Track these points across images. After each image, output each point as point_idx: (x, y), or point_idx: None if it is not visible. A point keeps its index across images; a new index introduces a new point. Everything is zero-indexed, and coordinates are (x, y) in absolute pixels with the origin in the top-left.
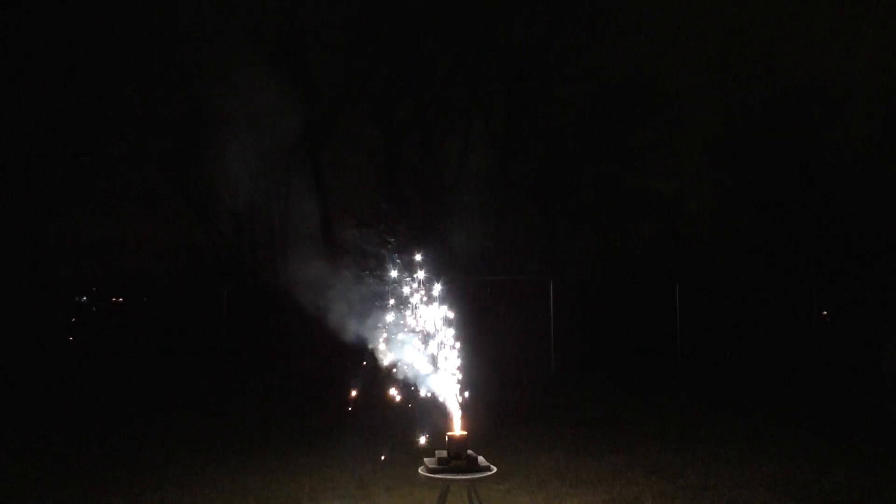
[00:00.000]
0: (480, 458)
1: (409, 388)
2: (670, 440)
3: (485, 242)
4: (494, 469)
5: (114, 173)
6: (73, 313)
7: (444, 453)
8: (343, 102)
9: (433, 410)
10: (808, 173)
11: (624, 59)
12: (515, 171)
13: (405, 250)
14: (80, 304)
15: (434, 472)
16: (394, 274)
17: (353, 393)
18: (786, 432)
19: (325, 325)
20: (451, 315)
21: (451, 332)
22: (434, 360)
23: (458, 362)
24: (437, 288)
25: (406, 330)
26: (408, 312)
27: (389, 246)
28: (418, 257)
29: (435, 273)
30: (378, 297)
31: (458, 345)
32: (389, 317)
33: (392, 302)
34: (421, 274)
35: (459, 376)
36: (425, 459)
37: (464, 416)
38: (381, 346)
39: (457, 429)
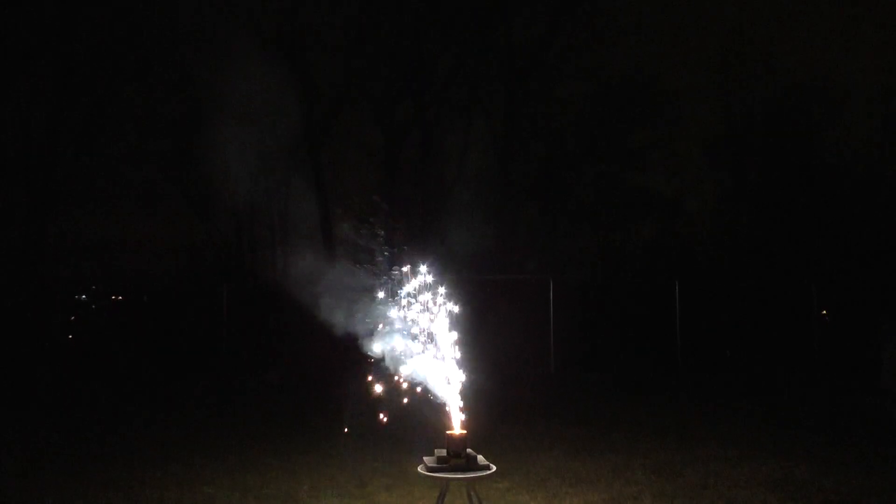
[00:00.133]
0: (480, 457)
1: (394, 378)
2: (670, 439)
3: (485, 242)
4: (494, 468)
5: (114, 173)
6: (72, 312)
7: (443, 452)
8: (343, 102)
9: (417, 398)
10: (808, 173)
11: (624, 59)
12: (515, 171)
13: (396, 243)
14: (79, 303)
15: (433, 471)
16: (384, 266)
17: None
18: (785, 432)
19: (322, 323)
20: (447, 312)
21: (448, 325)
22: (424, 346)
23: (459, 361)
24: (440, 289)
25: (396, 323)
26: (398, 306)
27: (380, 238)
28: (406, 248)
29: (433, 272)
30: (368, 290)
31: (456, 340)
32: (379, 310)
33: (382, 295)
34: (413, 269)
35: (460, 375)
36: (425, 458)
37: (463, 415)
38: (370, 340)
39: (456, 427)
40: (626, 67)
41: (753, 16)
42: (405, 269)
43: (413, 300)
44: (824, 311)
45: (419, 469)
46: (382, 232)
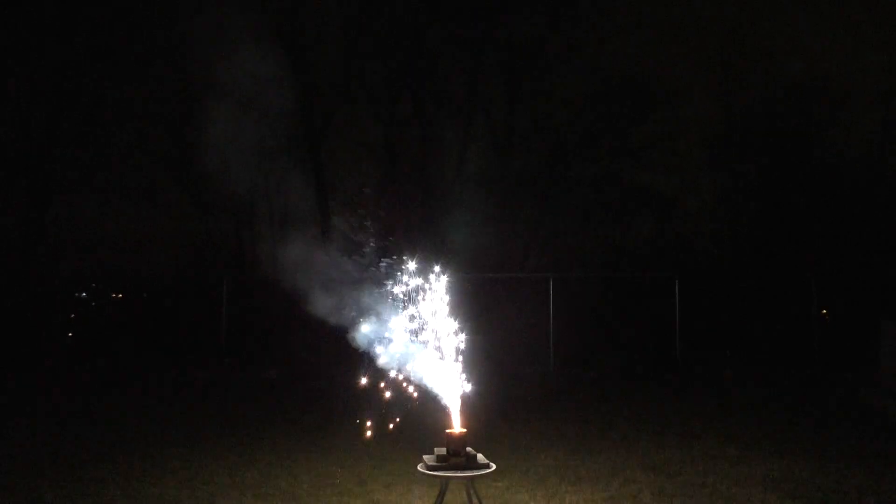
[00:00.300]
0: (479, 456)
1: (381, 370)
2: (669, 437)
3: (484, 239)
4: (493, 466)
5: (114, 168)
6: (72, 310)
7: (443, 450)
8: (342, 98)
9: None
10: (808, 171)
11: (624, 57)
12: (515, 168)
13: (384, 234)
14: (79, 301)
15: (433, 469)
16: (373, 258)
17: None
18: (784, 430)
19: (319, 318)
20: (444, 303)
21: (443, 319)
22: (415, 337)
23: (459, 359)
24: (440, 284)
25: (384, 314)
26: (388, 297)
27: (367, 227)
28: (392, 239)
29: (427, 267)
30: (356, 280)
31: (456, 331)
32: (366, 301)
33: (369, 286)
34: (403, 258)
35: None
36: (424, 456)
37: (463, 413)
38: (356, 332)
39: (456, 426)
40: (626, 65)
41: (753, 14)
42: (393, 259)
43: (404, 290)
44: (824, 311)
45: (419, 467)
46: (369, 222)
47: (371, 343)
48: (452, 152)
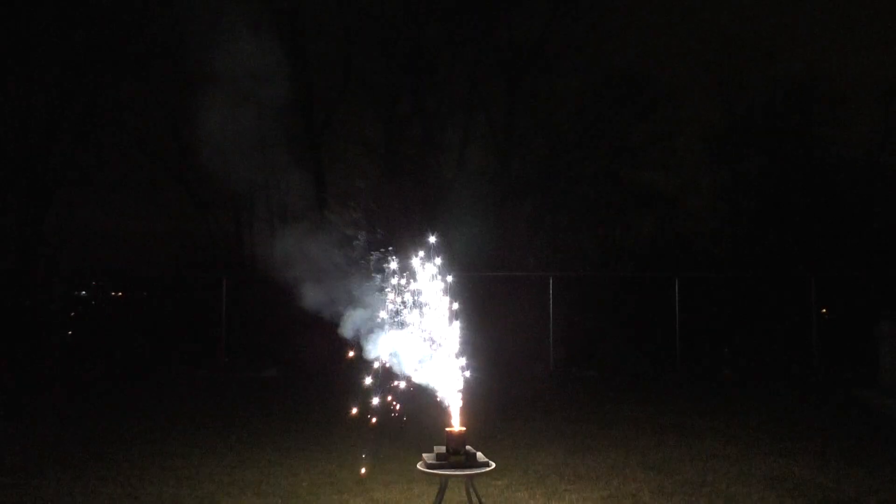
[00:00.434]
0: (479, 454)
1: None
2: (668, 436)
3: (484, 238)
4: (493, 465)
5: (114, 166)
6: (72, 308)
7: (442, 449)
8: (343, 97)
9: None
10: (808, 170)
11: (624, 56)
12: (515, 167)
13: (374, 227)
14: (79, 299)
15: (433, 468)
16: (362, 250)
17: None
18: (784, 429)
19: (313, 311)
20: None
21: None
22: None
23: (460, 358)
24: (436, 281)
25: (371, 307)
26: (378, 290)
27: (357, 219)
28: (381, 233)
29: (423, 263)
30: (344, 274)
31: (456, 332)
32: (353, 294)
33: (357, 278)
34: (392, 252)
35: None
36: (424, 455)
37: (462, 412)
38: (343, 323)
39: (456, 424)
40: (626, 64)
41: (754, 13)
42: (382, 252)
43: (393, 283)
44: (824, 310)
45: (418, 466)
46: (359, 215)
47: (358, 333)
48: (452, 151)
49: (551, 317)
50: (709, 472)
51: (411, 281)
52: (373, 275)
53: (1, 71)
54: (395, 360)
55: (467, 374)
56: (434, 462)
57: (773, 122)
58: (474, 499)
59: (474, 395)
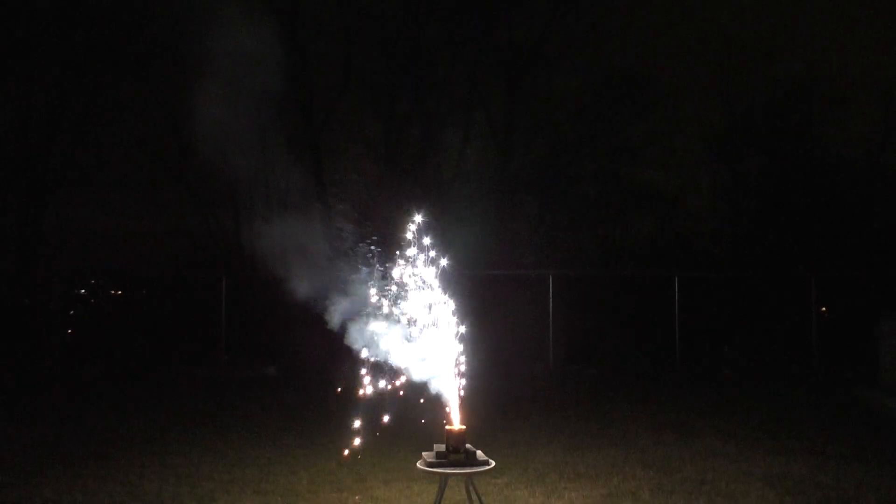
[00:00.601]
0: (479, 452)
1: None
2: (668, 434)
3: (484, 236)
4: (493, 463)
5: (113, 165)
6: (72, 306)
7: (442, 447)
8: (342, 94)
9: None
10: (808, 170)
11: (624, 55)
12: (515, 165)
13: (364, 219)
14: (78, 297)
15: (432, 466)
16: (350, 241)
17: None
18: (784, 427)
19: (313, 308)
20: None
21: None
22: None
23: (460, 356)
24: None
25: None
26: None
27: (344, 209)
28: (369, 224)
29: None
30: (332, 264)
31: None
32: (341, 284)
33: (345, 269)
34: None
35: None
36: (424, 453)
37: (462, 410)
38: (330, 312)
39: (455, 423)
40: (626, 63)
41: (754, 13)
42: (368, 242)
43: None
44: (824, 308)
45: (418, 464)
46: (344, 206)
47: (345, 321)
48: (452, 150)
49: (551, 315)
50: (708, 470)
51: (404, 274)
52: (360, 266)
53: (1, 71)
54: (383, 353)
55: (464, 368)
56: (434, 460)
57: (773, 121)
58: (474, 497)
59: (474, 394)
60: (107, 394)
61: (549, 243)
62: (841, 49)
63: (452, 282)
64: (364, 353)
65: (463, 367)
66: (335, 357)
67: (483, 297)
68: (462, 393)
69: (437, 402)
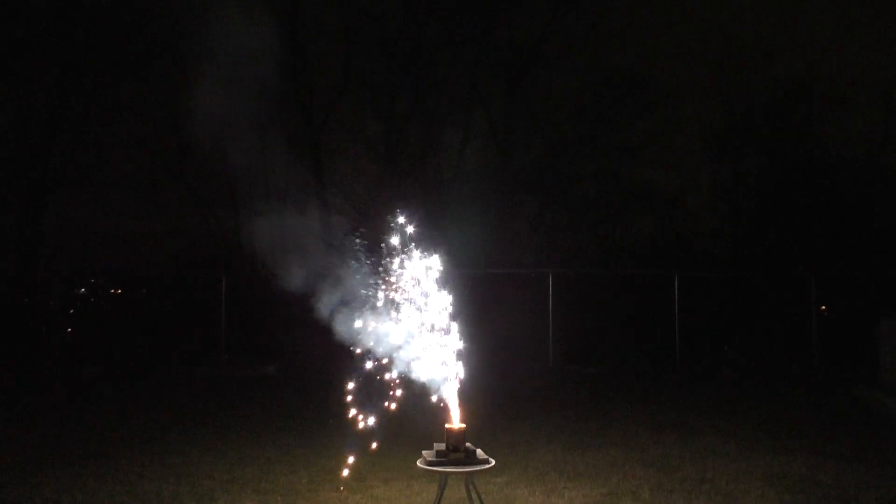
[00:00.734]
0: (479, 451)
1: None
2: (668, 433)
3: (484, 235)
4: (493, 462)
5: (113, 165)
6: (72, 305)
7: (442, 446)
8: (342, 94)
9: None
10: (808, 169)
11: (624, 55)
12: (515, 164)
13: (359, 216)
14: (78, 297)
15: (432, 465)
16: (341, 231)
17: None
18: (783, 426)
19: (320, 314)
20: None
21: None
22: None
23: (459, 354)
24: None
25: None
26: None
27: (339, 203)
28: (360, 215)
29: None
30: (325, 258)
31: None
32: (332, 278)
33: (336, 263)
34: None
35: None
36: (424, 452)
37: (462, 409)
38: (321, 305)
39: (455, 421)
40: (626, 63)
41: (754, 13)
42: (358, 234)
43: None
44: (824, 308)
45: (418, 463)
46: (339, 199)
47: (334, 313)
48: (452, 150)
49: (551, 314)
50: (708, 469)
51: (402, 269)
52: (353, 260)
53: (1, 71)
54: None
55: (462, 367)
56: (434, 459)
57: (773, 121)
58: (474, 496)
59: (474, 392)
60: (107, 394)
61: (548, 243)
62: (841, 49)
63: (450, 280)
64: (359, 351)
65: (463, 368)
66: (335, 356)
67: (483, 297)
68: (461, 392)
69: (436, 402)
